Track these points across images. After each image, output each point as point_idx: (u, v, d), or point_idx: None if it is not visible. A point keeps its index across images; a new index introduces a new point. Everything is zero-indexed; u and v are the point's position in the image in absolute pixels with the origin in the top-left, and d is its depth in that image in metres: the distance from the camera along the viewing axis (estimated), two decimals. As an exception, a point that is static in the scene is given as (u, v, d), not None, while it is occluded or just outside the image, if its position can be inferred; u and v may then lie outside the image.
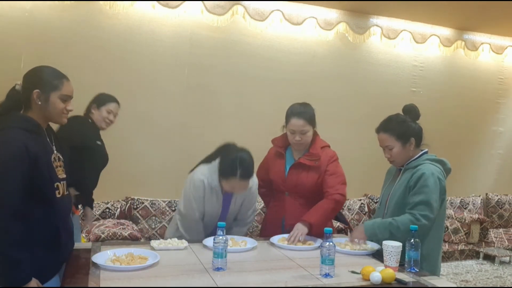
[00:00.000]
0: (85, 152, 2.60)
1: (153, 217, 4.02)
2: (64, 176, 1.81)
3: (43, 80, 1.73)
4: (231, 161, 2.24)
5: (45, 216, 1.69)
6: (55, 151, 1.79)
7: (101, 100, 2.83)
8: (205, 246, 2.15)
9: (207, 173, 2.34)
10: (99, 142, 2.78)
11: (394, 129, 2.20)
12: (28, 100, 1.72)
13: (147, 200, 4.04)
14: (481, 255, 4.73)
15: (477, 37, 5.39)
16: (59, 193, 1.74)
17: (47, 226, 1.70)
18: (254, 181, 2.43)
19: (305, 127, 2.42)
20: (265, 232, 2.64)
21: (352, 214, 4.73)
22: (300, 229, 2.31)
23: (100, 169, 2.86)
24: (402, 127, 2.20)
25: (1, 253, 1.54)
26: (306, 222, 2.33)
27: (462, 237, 4.83)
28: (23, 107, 1.74)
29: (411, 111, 2.25)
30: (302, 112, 2.43)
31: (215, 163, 2.35)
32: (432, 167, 2.15)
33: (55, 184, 1.73)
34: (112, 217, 3.86)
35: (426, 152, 2.26)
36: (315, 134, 2.54)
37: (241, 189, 2.30)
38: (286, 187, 2.54)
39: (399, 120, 2.23)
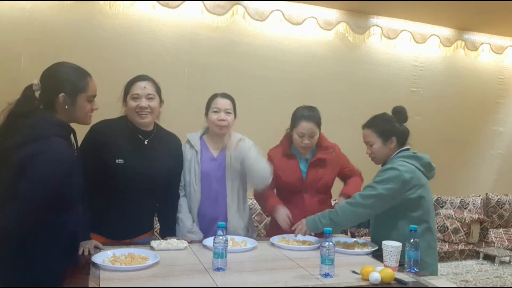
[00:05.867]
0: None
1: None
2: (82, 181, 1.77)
3: (68, 82, 1.65)
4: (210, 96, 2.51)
5: (67, 221, 1.66)
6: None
7: (125, 89, 2.18)
8: (205, 246, 2.15)
9: (192, 134, 2.51)
10: (120, 160, 2.09)
11: (377, 126, 2.28)
12: (51, 103, 1.64)
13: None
14: (481, 255, 4.73)
15: (477, 37, 5.39)
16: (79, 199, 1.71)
17: (67, 231, 1.67)
18: (247, 140, 2.51)
19: (314, 130, 2.48)
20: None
21: (352, 214, 4.73)
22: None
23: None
24: (385, 125, 2.27)
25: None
26: (347, 195, 2.48)
27: (462, 237, 4.83)
28: (41, 105, 1.66)
29: (399, 113, 2.30)
30: (312, 115, 2.49)
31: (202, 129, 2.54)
32: (400, 163, 2.18)
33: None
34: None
35: (405, 150, 2.27)
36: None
37: (224, 108, 2.42)
38: (305, 186, 2.54)
39: (384, 118, 2.30)
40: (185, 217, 2.35)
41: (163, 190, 2.27)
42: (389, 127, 2.27)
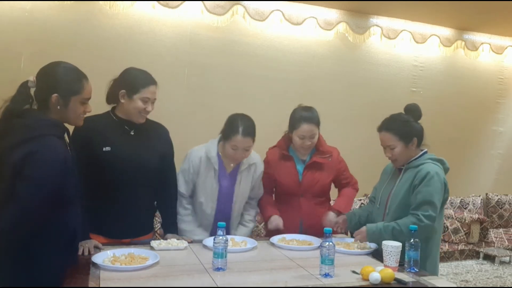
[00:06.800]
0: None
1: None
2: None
3: (63, 83, 1.64)
4: (232, 120, 2.32)
5: (65, 220, 1.67)
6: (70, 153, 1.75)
7: (134, 84, 2.15)
8: (205, 246, 2.15)
9: (207, 145, 2.41)
10: (107, 148, 2.12)
11: (397, 129, 2.19)
12: (45, 102, 1.64)
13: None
14: (481, 255, 4.73)
15: (477, 37, 5.39)
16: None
17: (66, 229, 1.68)
18: (258, 159, 2.49)
19: (315, 131, 2.45)
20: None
21: (352, 214, 4.73)
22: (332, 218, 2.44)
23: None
24: (405, 127, 2.20)
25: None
26: (336, 211, 2.49)
27: (462, 237, 4.83)
28: (34, 103, 1.67)
29: (413, 111, 2.25)
30: (311, 117, 2.45)
31: (218, 137, 2.42)
32: (435, 167, 2.15)
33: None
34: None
35: (426, 152, 2.25)
36: None
37: (244, 147, 2.27)
38: (301, 189, 2.52)
39: (403, 120, 2.23)
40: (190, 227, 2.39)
41: (157, 179, 2.26)
42: (409, 128, 2.20)
